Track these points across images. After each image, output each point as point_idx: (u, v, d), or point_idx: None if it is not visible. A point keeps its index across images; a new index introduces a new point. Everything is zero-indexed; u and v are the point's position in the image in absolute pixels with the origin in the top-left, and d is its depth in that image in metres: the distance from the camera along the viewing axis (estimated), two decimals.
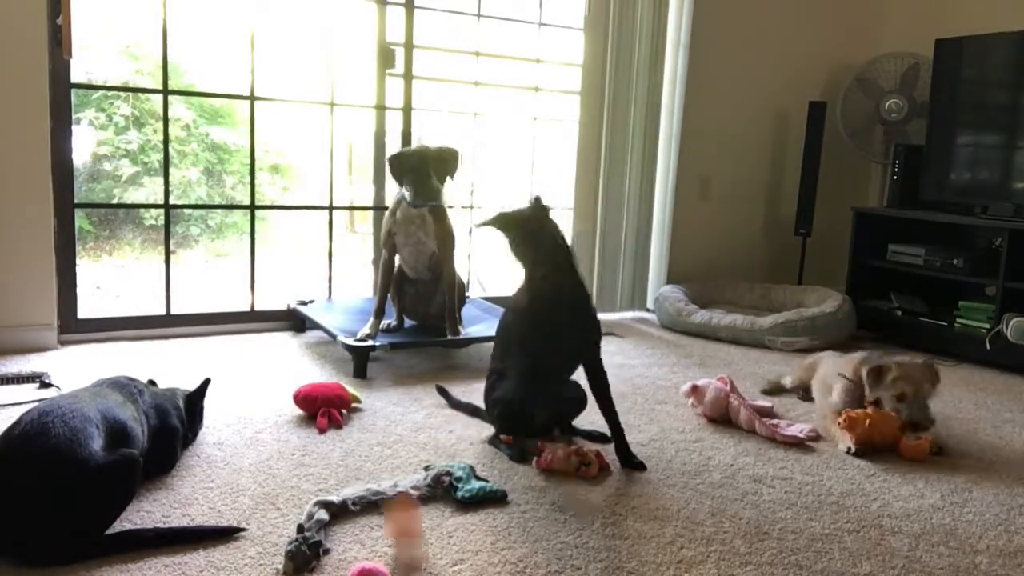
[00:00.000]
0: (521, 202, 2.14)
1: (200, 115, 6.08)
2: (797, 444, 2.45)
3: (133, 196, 5.69)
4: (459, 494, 1.92)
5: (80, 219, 4.50)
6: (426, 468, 2.04)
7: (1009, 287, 3.53)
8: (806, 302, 4.14)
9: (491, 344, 2.42)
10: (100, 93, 5.71)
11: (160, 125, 3.56)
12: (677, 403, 2.81)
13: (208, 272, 5.69)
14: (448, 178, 3.13)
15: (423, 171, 3.00)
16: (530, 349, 2.17)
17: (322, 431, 2.34)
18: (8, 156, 2.95)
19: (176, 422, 2.05)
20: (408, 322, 3.30)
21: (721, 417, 2.61)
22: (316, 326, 3.31)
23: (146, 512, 1.79)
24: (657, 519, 1.91)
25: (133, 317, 3.44)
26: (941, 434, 2.63)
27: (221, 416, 2.43)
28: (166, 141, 3.51)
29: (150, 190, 5.68)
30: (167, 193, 3.52)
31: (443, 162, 3.07)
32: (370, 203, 3.94)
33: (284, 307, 3.62)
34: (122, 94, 5.82)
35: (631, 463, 2.21)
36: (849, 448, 2.41)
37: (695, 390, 2.69)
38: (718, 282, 4.49)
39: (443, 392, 2.65)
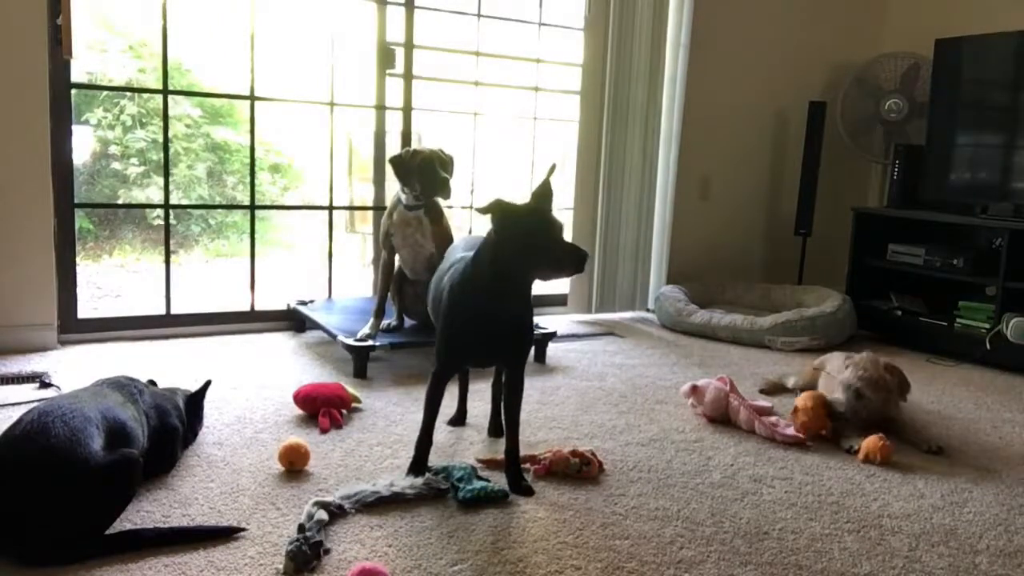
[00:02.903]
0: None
1: (201, 114, 6.08)
2: (797, 444, 2.45)
3: (141, 195, 5.69)
4: (460, 495, 1.92)
5: (80, 219, 4.50)
6: (428, 468, 2.04)
7: (1009, 287, 3.53)
8: (806, 302, 4.14)
9: None
10: (106, 93, 5.71)
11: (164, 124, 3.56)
12: (677, 403, 2.81)
13: (208, 272, 5.69)
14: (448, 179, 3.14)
15: (432, 167, 3.01)
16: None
17: (324, 431, 2.35)
18: (8, 156, 2.95)
19: (176, 422, 2.05)
20: (408, 322, 3.30)
21: (721, 417, 2.61)
22: (316, 326, 3.31)
23: (146, 512, 1.80)
24: (657, 519, 1.91)
25: (133, 317, 3.44)
26: (941, 434, 2.63)
27: (221, 416, 2.43)
28: (166, 141, 3.51)
29: (156, 189, 5.69)
30: (167, 193, 3.52)
31: (445, 163, 3.07)
32: (370, 203, 3.94)
33: (284, 307, 3.62)
34: (127, 93, 5.82)
35: (519, 487, 2.02)
36: (850, 447, 2.41)
37: (695, 390, 2.69)
38: (718, 282, 4.49)
39: None
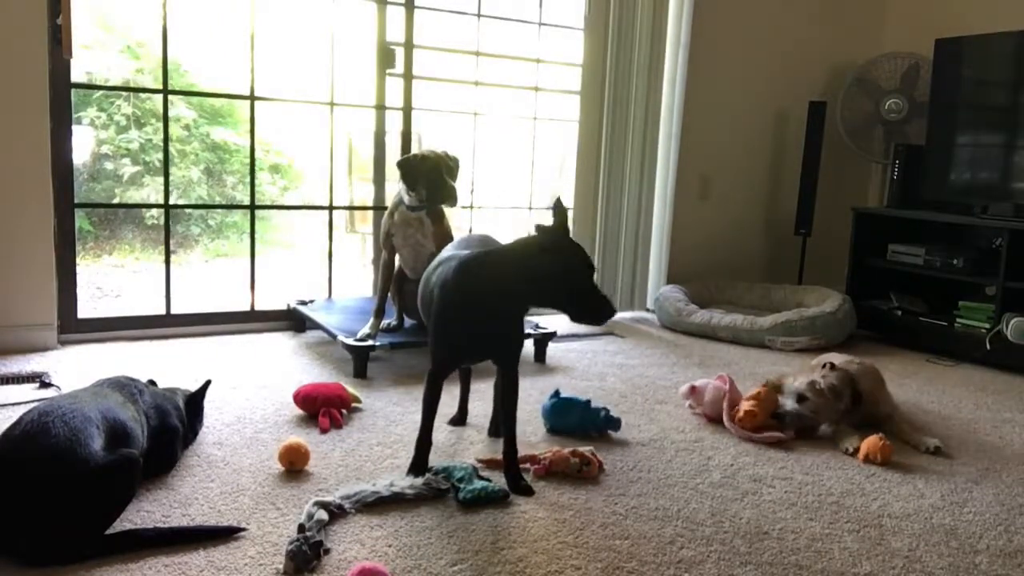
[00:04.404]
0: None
1: (200, 115, 6.09)
2: (776, 443, 2.46)
3: (135, 196, 5.69)
4: (461, 495, 1.92)
5: (80, 219, 4.50)
6: (428, 468, 2.04)
7: (1009, 287, 3.53)
8: (806, 302, 4.14)
9: None
10: (101, 93, 5.71)
11: (161, 124, 3.56)
12: (677, 403, 2.81)
13: (208, 272, 5.69)
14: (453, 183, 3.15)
15: (439, 175, 3.01)
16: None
17: (324, 431, 2.35)
18: (8, 156, 2.95)
19: (176, 422, 2.05)
20: (408, 322, 3.30)
21: (721, 416, 2.61)
22: (316, 326, 3.31)
23: (146, 512, 1.80)
24: (657, 519, 1.91)
25: (133, 317, 3.44)
26: (941, 434, 2.63)
27: (221, 416, 2.43)
28: (166, 141, 3.51)
29: (152, 189, 5.69)
30: (167, 193, 3.52)
31: (451, 168, 3.07)
32: (370, 203, 3.94)
33: (284, 307, 3.62)
34: (123, 93, 5.82)
35: (518, 487, 2.02)
36: (847, 449, 2.41)
37: (693, 391, 2.69)
38: (718, 282, 4.49)
39: None
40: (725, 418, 2.54)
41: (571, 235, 1.90)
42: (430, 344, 2.02)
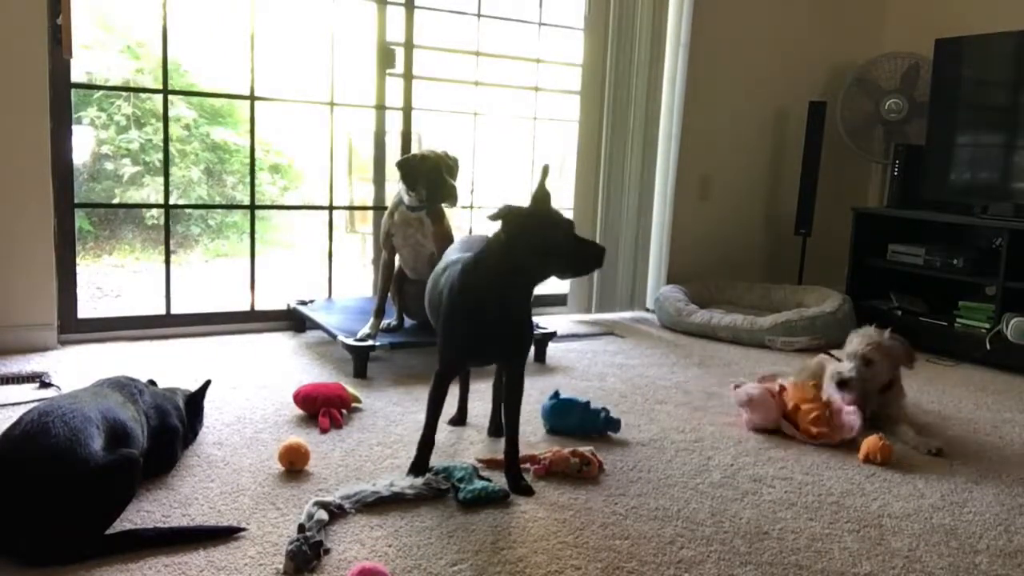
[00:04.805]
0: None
1: (200, 115, 6.09)
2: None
3: (134, 196, 5.69)
4: (461, 495, 1.92)
5: (80, 219, 4.50)
6: (428, 468, 2.04)
7: (1009, 287, 3.54)
8: (806, 302, 4.14)
9: None
10: (101, 93, 5.71)
11: (161, 124, 3.56)
12: (677, 403, 2.81)
13: (208, 272, 5.69)
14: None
15: (439, 174, 3.01)
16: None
17: (324, 431, 2.35)
18: (8, 156, 2.95)
19: (176, 422, 2.05)
20: (408, 322, 3.30)
21: (772, 425, 2.55)
22: (316, 326, 3.31)
23: (146, 512, 1.80)
24: (657, 519, 1.91)
25: (133, 317, 3.44)
26: (941, 434, 2.63)
27: (221, 416, 2.43)
28: (166, 141, 3.51)
29: (152, 189, 5.69)
30: (167, 193, 3.52)
31: (451, 168, 3.08)
32: (370, 203, 3.94)
33: (284, 307, 3.62)
34: (123, 93, 5.82)
35: (518, 487, 2.02)
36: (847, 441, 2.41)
37: (751, 401, 2.58)
38: (718, 282, 4.49)
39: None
40: (790, 428, 2.51)
41: (548, 204, 1.95)
42: (439, 345, 2.04)
